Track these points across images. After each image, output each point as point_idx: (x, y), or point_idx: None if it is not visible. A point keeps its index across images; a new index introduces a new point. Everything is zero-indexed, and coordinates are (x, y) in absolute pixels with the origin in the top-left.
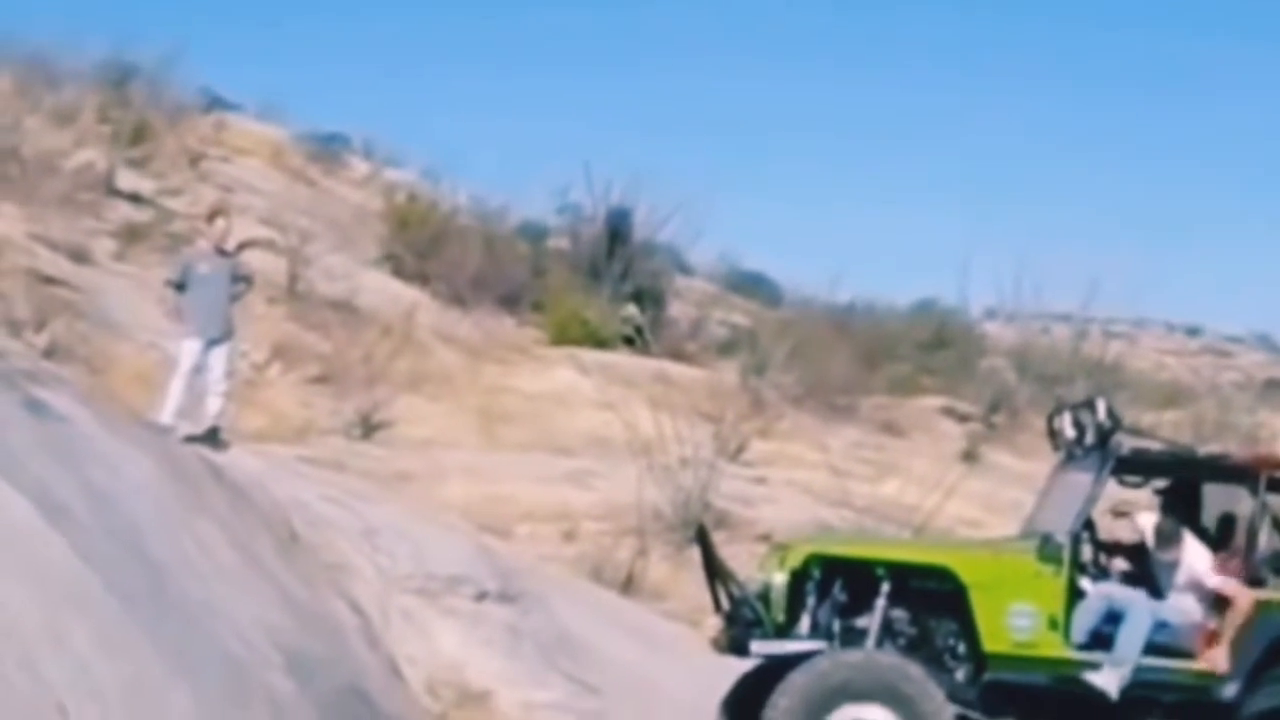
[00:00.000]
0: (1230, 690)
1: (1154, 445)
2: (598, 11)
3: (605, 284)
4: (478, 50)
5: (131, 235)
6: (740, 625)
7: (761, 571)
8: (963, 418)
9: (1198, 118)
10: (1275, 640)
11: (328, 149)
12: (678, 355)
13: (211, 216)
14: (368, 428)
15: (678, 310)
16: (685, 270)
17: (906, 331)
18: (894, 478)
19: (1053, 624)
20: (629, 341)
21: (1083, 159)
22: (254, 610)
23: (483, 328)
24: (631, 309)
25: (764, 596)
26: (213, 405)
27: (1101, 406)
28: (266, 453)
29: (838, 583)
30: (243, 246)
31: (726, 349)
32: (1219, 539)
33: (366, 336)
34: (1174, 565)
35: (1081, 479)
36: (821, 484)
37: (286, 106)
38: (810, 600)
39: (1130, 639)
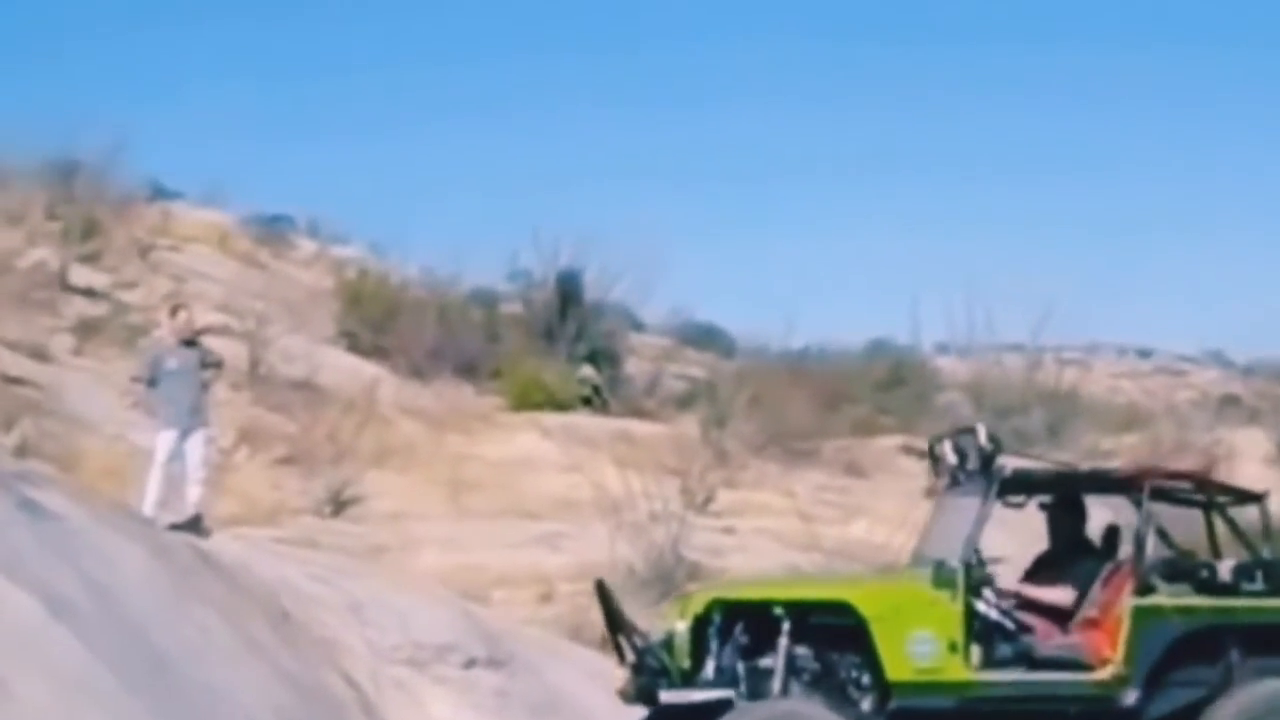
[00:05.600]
0: (1130, 697)
1: (1036, 465)
2: (525, 68)
3: (560, 346)
4: (409, 118)
5: (88, 330)
6: (646, 675)
7: (665, 621)
8: (923, 454)
9: (1137, 133)
10: (1169, 644)
11: (273, 230)
12: (638, 412)
13: (174, 310)
14: (338, 505)
15: (634, 367)
16: (638, 327)
17: (862, 372)
18: (861, 518)
19: (953, 648)
20: (587, 402)
21: (1025, 185)
22: (256, 690)
23: (444, 398)
24: (588, 370)
25: (668, 645)
26: (193, 493)
27: (982, 431)
28: (244, 536)
29: (739, 626)
30: (199, 333)
31: (685, 402)
32: (1105, 549)
33: (330, 414)
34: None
35: (968, 503)
36: (790, 530)
37: (228, 190)
38: (713, 645)
39: None
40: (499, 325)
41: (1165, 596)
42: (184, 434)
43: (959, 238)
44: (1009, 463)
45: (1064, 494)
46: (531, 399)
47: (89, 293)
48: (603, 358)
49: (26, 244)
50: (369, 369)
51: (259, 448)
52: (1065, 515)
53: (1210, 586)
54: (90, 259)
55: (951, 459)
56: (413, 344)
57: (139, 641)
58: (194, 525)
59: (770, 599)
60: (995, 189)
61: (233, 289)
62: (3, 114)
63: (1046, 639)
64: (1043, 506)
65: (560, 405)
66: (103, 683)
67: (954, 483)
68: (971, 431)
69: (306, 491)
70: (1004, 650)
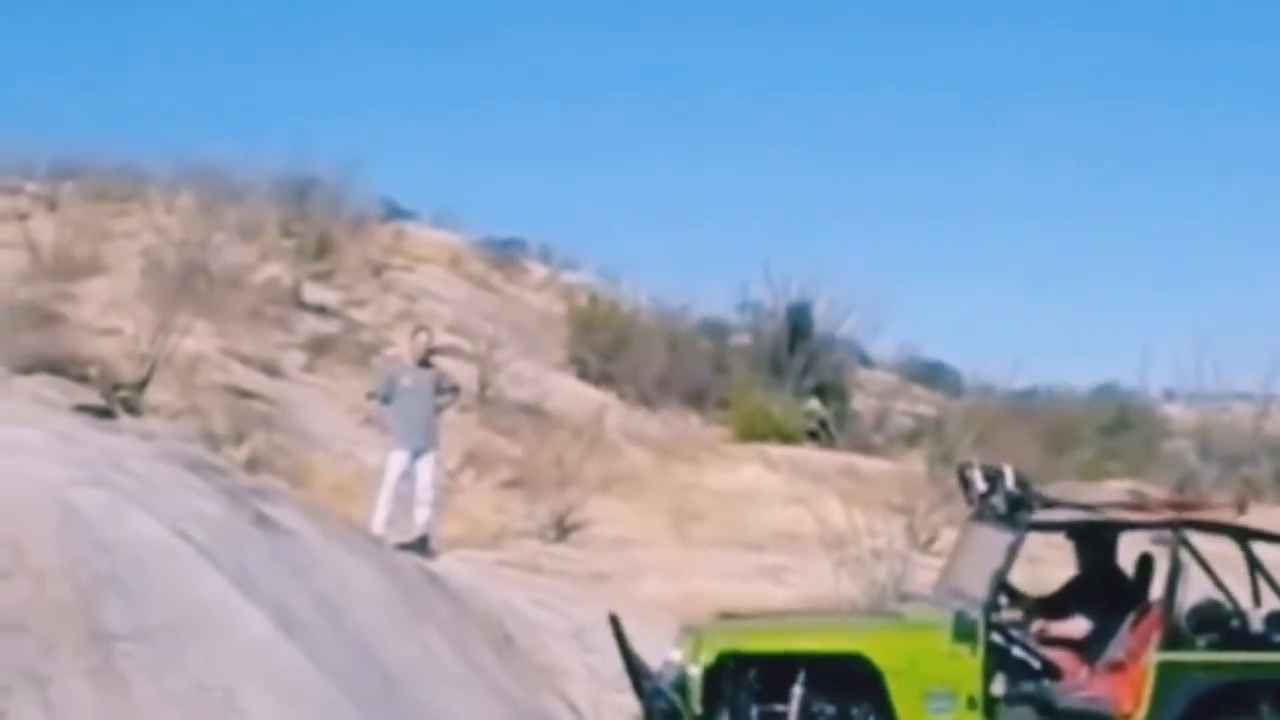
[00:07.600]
0: None
1: (1064, 508)
2: (760, 102)
3: (788, 379)
4: (642, 146)
5: (320, 347)
6: (658, 717)
7: (677, 652)
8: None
9: None
10: (1194, 700)
11: (506, 254)
12: (864, 448)
13: (416, 331)
14: (562, 530)
15: (860, 403)
16: (866, 362)
17: (1088, 416)
18: None
19: (971, 703)
20: (813, 435)
21: (1258, 239)
22: (478, 713)
23: (670, 427)
24: (815, 403)
25: (680, 686)
26: (421, 515)
27: (1010, 475)
28: (468, 558)
29: (753, 672)
30: (431, 353)
31: (912, 440)
32: (1137, 581)
33: (556, 439)
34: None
35: (994, 541)
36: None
37: (461, 213)
38: (728, 691)
39: None
40: (727, 356)
41: (1193, 648)
42: (415, 455)
43: (1192, 287)
44: (1037, 506)
45: (1094, 535)
46: (757, 430)
47: (321, 310)
48: (830, 392)
49: (261, 260)
50: (597, 395)
51: (485, 470)
52: (1092, 546)
53: (1241, 637)
54: (323, 277)
55: (981, 486)
56: (641, 372)
57: (366, 659)
58: (420, 546)
59: (785, 651)
60: (1230, 241)
61: (463, 311)
62: (241, 130)
63: (1072, 677)
64: (1070, 535)
65: (786, 438)
66: (328, 699)
67: (980, 513)
68: (1000, 473)
69: (531, 515)
70: (1025, 698)
